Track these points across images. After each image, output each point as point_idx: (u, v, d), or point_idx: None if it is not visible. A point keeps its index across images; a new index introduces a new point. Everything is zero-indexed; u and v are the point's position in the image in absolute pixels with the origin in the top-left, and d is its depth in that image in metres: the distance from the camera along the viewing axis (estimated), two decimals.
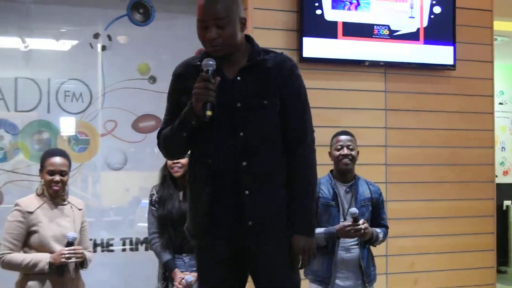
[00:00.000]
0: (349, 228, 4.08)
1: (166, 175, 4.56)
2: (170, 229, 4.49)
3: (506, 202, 11.34)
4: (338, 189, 4.38)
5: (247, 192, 2.95)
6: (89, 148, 5.37)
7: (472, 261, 6.07)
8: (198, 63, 2.96)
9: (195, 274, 4.37)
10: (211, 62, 2.84)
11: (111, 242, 5.41)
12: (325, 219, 4.33)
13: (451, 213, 5.94)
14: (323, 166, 4.42)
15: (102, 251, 5.36)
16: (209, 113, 2.79)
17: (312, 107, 5.10)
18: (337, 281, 4.30)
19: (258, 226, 2.97)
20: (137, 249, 5.50)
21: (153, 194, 4.57)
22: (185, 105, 2.90)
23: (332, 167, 4.48)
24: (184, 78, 3.01)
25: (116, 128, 5.44)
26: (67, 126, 5.33)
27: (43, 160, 4.12)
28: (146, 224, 5.44)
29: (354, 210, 4.04)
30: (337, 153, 4.27)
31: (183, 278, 4.38)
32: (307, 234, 3.02)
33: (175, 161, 4.45)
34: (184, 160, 4.38)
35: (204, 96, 2.78)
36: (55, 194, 4.09)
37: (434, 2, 5.88)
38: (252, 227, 2.96)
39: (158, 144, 3.11)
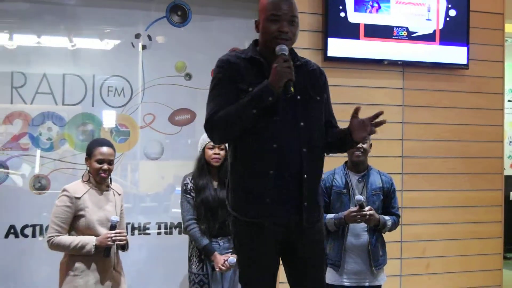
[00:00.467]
0: (355, 213, 4.10)
1: (204, 165, 4.56)
2: (208, 216, 4.49)
3: None
4: (351, 178, 4.40)
5: (305, 176, 3.04)
6: (129, 139, 5.39)
7: (481, 247, 6.08)
8: (255, 56, 3.07)
9: (235, 255, 4.44)
10: (284, 47, 2.96)
11: (147, 226, 5.44)
12: (337, 206, 4.36)
13: (462, 202, 5.94)
14: (339, 157, 4.54)
15: (139, 234, 5.38)
16: (292, 89, 2.90)
17: (336, 103, 5.21)
18: (346, 265, 4.32)
19: (311, 206, 3.09)
20: (171, 233, 5.51)
21: (187, 183, 4.58)
22: (243, 91, 2.96)
23: (346, 159, 4.50)
24: (237, 67, 3.04)
25: (154, 121, 5.46)
26: (109, 118, 5.34)
27: (92, 149, 4.10)
28: (180, 210, 5.50)
29: (359, 197, 4.09)
30: None
31: (226, 260, 4.41)
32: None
33: (216, 152, 4.47)
34: (223, 153, 4.49)
35: (289, 74, 2.88)
36: (102, 181, 4.12)
37: (449, 5, 5.87)
38: (306, 207, 3.06)
39: (211, 127, 3.04)
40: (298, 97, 3.04)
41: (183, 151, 5.58)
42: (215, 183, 4.56)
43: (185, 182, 4.61)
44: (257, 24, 3.13)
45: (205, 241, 4.44)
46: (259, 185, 3.05)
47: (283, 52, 2.94)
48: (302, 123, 3.04)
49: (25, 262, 5.08)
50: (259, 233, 3.08)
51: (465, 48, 5.96)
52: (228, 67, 3.07)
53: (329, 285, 4.37)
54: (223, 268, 4.41)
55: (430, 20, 5.82)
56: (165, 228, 5.52)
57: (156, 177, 5.55)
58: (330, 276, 4.36)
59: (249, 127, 2.96)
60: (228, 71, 3.06)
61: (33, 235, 5.10)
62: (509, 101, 10.57)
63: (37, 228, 5.11)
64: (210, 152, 4.51)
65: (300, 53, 5.50)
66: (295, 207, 3.06)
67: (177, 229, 5.53)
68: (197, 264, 4.53)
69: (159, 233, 5.49)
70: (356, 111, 3.12)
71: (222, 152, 4.52)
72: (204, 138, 4.59)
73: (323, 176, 4.43)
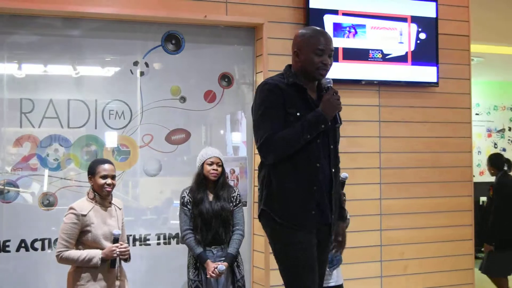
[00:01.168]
0: None
1: (202, 179, 4.60)
2: (203, 226, 4.54)
3: (482, 198, 11.36)
4: None
5: (333, 192, 3.19)
6: (130, 158, 5.37)
7: (454, 249, 6.14)
8: (294, 81, 3.18)
9: (225, 263, 4.46)
10: (330, 80, 3.16)
11: (147, 237, 5.40)
12: None
13: (435, 208, 6.01)
14: None
15: (140, 245, 5.34)
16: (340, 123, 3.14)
17: None
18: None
19: (335, 219, 3.25)
20: (169, 243, 5.48)
21: (184, 196, 4.63)
22: (292, 115, 3.10)
23: None
24: (286, 93, 3.13)
25: (152, 140, 5.44)
26: (111, 139, 5.32)
27: (95, 168, 4.15)
28: (178, 221, 5.49)
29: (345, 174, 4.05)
30: None
31: (216, 268, 4.43)
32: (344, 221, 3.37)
33: (214, 168, 4.54)
34: (220, 169, 4.58)
35: (339, 107, 3.09)
36: (107, 195, 4.16)
37: (420, 29, 5.95)
38: (333, 220, 3.23)
39: (267, 148, 3.15)
40: (329, 123, 3.12)
41: (179, 167, 5.57)
42: (210, 196, 4.61)
43: (182, 195, 4.66)
44: (297, 53, 3.22)
45: (199, 249, 4.50)
46: (306, 198, 3.16)
47: (330, 85, 3.12)
48: (332, 146, 3.20)
49: (35, 273, 5.07)
50: (303, 239, 3.17)
51: (435, 68, 6.03)
52: (279, 92, 3.14)
53: None
54: (213, 275, 4.45)
55: (402, 43, 5.89)
56: (164, 238, 5.48)
57: (155, 192, 5.53)
58: None
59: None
60: (279, 95, 3.14)
61: (42, 249, 5.07)
62: (476, 114, 10.67)
63: (46, 242, 5.08)
64: (208, 167, 4.57)
65: None
66: (327, 219, 3.20)
67: (175, 239, 5.49)
68: (193, 271, 4.58)
69: (158, 244, 5.45)
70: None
71: (220, 169, 4.60)
72: (202, 155, 4.66)
73: None
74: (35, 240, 5.06)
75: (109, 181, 4.14)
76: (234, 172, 5.48)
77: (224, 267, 4.47)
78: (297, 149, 3.10)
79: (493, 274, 6.76)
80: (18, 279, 5.02)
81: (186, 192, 4.67)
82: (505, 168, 6.97)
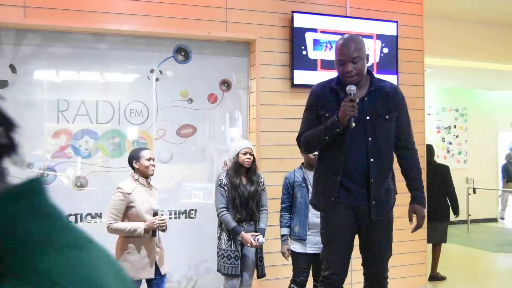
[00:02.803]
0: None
1: (238, 166, 4.48)
2: (241, 206, 4.42)
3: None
4: (307, 175, 4.44)
5: (372, 180, 2.99)
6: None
7: (408, 223, 6.20)
8: (335, 87, 3.06)
9: (263, 238, 4.41)
10: (353, 88, 2.93)
11: (161, 213, 5.38)
12: (299, 195, 4.45)
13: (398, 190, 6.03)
14: (297, 159, 4.60)
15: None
16: (353, 124, 2.89)
17: (299, 118, 5.23)
18: (309, 238, 4.40)
19: (379, 205, 3.03)
20: (179, 218, 5.50)
21: (221, 179, 4.50)
22: (323, 116, 3.02)
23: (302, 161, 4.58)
24: (322, 97, 3.08)
25: (165, 134, 5.46)
26: (132, 133, 5.34)
27: (138, 154, 4.23)
28: (186, 200, 5.52)
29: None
30: None
31: (257, 239, 4.34)
32: (424, 205, 3.16)
33: (248, 157, 4.43)
34: (252, 158, 4.49)
35: (352, 113, 2.85)
36: (152, 174, 4.26)
37: (383, 45, 5.99)
38: (375, 206, 3.02)
39: (299, 144, 3.18)
40: (368, 118, 3.00)
41: (187, 156, 5.59)
42: (244, 180, 4.50)
43: (220, 178, 4.54)
44: (335, 64, 3.13)
45: (234, 223, 4.38)
46: (325, 186, 3.09)
47: (350, 92, 2.91)
48: (370, 138, 2.99)
49: None
50: (329, 220, 3.15)
51: (395, 76, 6.06)
52: (315, 97, 3.13)
53: (296, 253, 4.47)
54: (255, 244, 4.36)
55: (369, 56, 5.91)
56: (175, 214, 5.50)
57: (167, 176, 5.52)
58: (298, 247, 4.44)
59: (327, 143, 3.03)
60: (314, 99, 3.13)
61: (76, 221, 5.08)
62: (428, 114, 10.74)
63: (79, 216, 5.10)
64: (243, 156, 4.46)
65: (273, 82, 5.67)
66: (365, 205, 3.04)
67: (183, 215, 5.52)
68: (226, 242, 4.44)
69: (170, 218, 5.46)
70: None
71: (252, 157, 4.51)
72: (238, 145, 4.56)
73: (287, 174, 4.53)
74: (69, 215, 5.07)
75: (152, 162, 4.25)
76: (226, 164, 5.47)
77: (264, 240, 4.41)
78: (322, 145, 3.05)
79: (431, 241, 6.89)
80: None
81: (223, 176, 4.54)
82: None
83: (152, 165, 4.25)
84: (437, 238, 6.86)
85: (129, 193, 4.13)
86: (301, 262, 4.46)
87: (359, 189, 3.02)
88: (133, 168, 4.26)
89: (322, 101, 3.09)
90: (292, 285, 4.53)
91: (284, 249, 4.49)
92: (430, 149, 7.06)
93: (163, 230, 4.27)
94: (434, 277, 6.92)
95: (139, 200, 4.16)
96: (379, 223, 3.10)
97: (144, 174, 4.23)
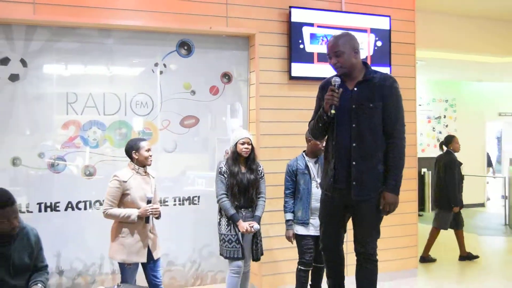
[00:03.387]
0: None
1: (236, 155, 4.43)
2: (240, 193, 4.38)
3: (423, 170, 11.47)
4: (309, 163, 4.45)
5: (354, 163, 3.08)
6: (152, 138, 5.34)
7: (402, 208, 6.07)
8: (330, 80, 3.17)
9: (258, 225, 4.40)
10: (337, 79, 3.06)
11: (166, 199, 5.41)
12: (302, 182, 4.42)
13: None
14: (299, 148, 4.53)
15: (161, 205, 5.29)
16: (333, 111, 3.02)
17: (297, 109, 5.20)
18: (311, 221, 4.39)
19: (359, 186, 3.09)
20: (183, 204, 5.47)
21: (221, 167, 4.43)
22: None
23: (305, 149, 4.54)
24: (324, 90, 3.18)
25: (169, 125, 5.41)
26: (138, 124, 5.30)
27: (138, 144, 4.21)
28: (190, 187, 5.49)
29: None
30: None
31: (252, 226, 4.33)
32: (394, 193, 3.13)
33: (246, 146, 4.38)
34: (250, 147, 4.42)
35: (331, 101, 3.01)
36: (150, 164, 4.24)
37: (377, 39, 5.93)
38: (355, 186, 3.09)
39: (309, 131, 3.36)
40: (353, 106, 3.09)
41: (191, 146, 5.54)
42: (243, 168, 4.44)
43: (220, 166, 4.47)
44: None
45: (233, 211, 4.34)
46: (327, 168, 3.23)
47: (334, 83, 3.06)
48: (354, 125, 3.08)
49: (79, 227, 5.06)
50: (327, 200, 3.29)
51: (388, 68, 6.00)
52: (319, 90, 3.29)
53: (300, 235, 4.46)
54: (249, 230, 4.33)
55: (363, 49, 5.84)
56: (179, 201, 5.47)
57: (171, 165, 5.50)
58: (301, 230, 4.46)
59: (325, 131, 3.21)
60: (319, 93, 3.28)
61: (85, 208, 5.07)
62: (419, 105, 10.71)
63: (87, 203, 5.07)
64: (241, 146, 4.39)
65: (272, 75, 5.62)
66: (347, 185, 3.13)
67: (187, 201, 5.49)
68: (226, 227, 4.39)
69: (174, 204, 5.45)
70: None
71: (250, 147, 4.44)
72: (236, 136, 4.50)
73: (290, 162, 4.50)
74: (79, 202, 5.05)
75: (151, 153, 4.24)
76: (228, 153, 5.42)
77: (259, 227, 4.40)
78: (320, 131, 3.20)
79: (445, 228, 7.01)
80: (65, 232, 5.02)
81: (223, 164, 4.47)
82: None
83: (151, 156, 4.23)
84: (452, 224, 6.96)
85: (125, 181, 4.10)
86: (305, 243, 4.45)
87: (344, 171, 3.11)
88: (131, 158, 4.23)
89: (323, 93, 3.16)
90: (300, 266, 4.51)
91: (289, 234, 4.47)
92: (448, 140, 7.00)
93: (157, 218, 4.23)
94: (425, 258, 6.90)
95: (134, 188, 4.13)
96: (364, 204, 3.13)
97: (143, 164, 4.21)
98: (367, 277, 3.19)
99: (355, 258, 3.42)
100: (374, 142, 3.09)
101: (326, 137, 3.29)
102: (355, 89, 3.10)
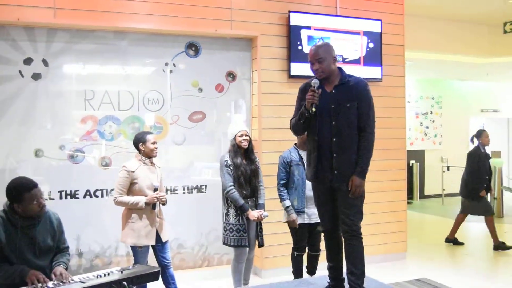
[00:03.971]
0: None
1: (236, 148, 4.38)
2: (245, 183, 4.35)
3: (412, 161, 11.49)
4: (302, 154, 4.46)
5: (335, 155, 3.19)
6: (163, 132, 5.37)
7: (392, 196, 6.21)
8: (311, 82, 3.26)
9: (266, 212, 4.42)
10: (316, 81, 3.17)
11: (176, 188, 5.45)
12: (297, 173, 4.44)
13: (380, 168, 6.03)
14: (293, 140, 4.57)
15: (171, 193, 5.39)
16: (313, 109, 3.13)
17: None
18: (307, 210, 4.44)
19: (339, 174, 3.20)
20: (192, 192, 5.51)
21: (226, 160, 4.35)
22: (304, 105, 3.21)
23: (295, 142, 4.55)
24: (304, 91, 3.28)
25: (179, 119, 5.44)
26: (149, 119, 5.33)
27: (144, 137, 4.22)
28: (197, 177, 5.51)
29: None
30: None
31: (262, 214, 4.32)
32: (361, 177, 3.18)
33: (244, 138, 4.36)
34: (248, 138, 4.40)
35: (311, 100, 3.12)
36: (155, 156, 4.26)
37: (369, 40, 5.96)
38: (336, 174, 3.20)
39: (290, 127, 3.41)
40: (332, 106, 3.19)
41: (198, 139, 5.57)
42: (244, 160, 4.39)
43: (225, 159, 4.37)
44: None
45: (242, 201, 4.28)
46: (310, 160, 3.34)
47: (314, 85, 3.16)
48: (333, 122, 3.19)
49: (96, 213, 5.11)
50: (314, 188, 3.43)
51: (379, 68, 6.05)
52: (300, 92, 3.37)
53: (298, 224, 4.48)
54: (261, 218, 4.34)
55: (356, 50, 5.89)
56: (188, 189, 5.51)
57: (180, 156, 5.53)
58: (298, 219, 4.45)
59: (306, 127, 3.29)
60: (299, 94, 3.36)
61: (102, 196, 5.12)
62: (408, 102, 10.73)
63: (104, 191, 5.12)
64: (240, 138, 4.37)
65: (273, 74, 5.66)
66: (330, 173, 3.23)
67: (195, 190, 5.53)
68: (235, 217, 4.32)
69: (183, 193, 5.48)
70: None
71: (248, 138, 4.41)
72: (234, 129, 4.46)
73: (283, 154, 4.55)
74: (96, 190, 5.10)
75: (156, 145, 4.25)
76: None
77: (267, 214, 4.38)
78: (302, 128, 3.30)
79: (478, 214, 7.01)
80: (84, 217, 5.07)
81: (227, 157, 4.38)
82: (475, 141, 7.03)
83: (156, 148, 4.24)
84: (483, 212, 6.89)
85: (133, 171, 4.13)
86: (300, 232, 4.49)
87: (327, 162, 3.23)
88: (138, 149, 4.24)
89: (304, 94, 3.27)
90: (295, 252, 4.56)
91: (293, 217, 4.43)
92: (478, 134, 6.98)
93: (163, 204, 4.25)
94: (450, 240, 7.06)
95: (141, 177, 4.15)
96: (345, 188, 3.23)
97: (149, 155, 4.22)
98: (354, 252, 3.27)
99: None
100: (350, 136, 3.21)
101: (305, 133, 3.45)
102: (333, 91, 3.24)
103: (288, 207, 4.47)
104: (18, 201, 3.01)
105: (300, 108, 3.26)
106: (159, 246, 4.26)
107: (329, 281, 3.49)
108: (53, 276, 3.05)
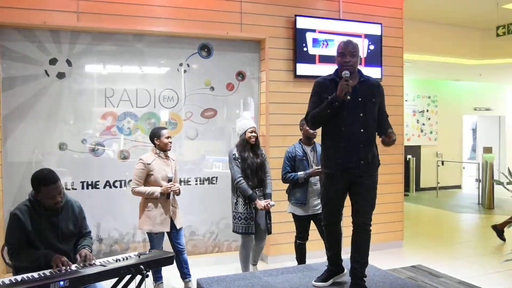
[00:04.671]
0: (317, 170, 4.22)
1: (245, 142, 4.37)
2: (253, 175, 4.34)
3: (408, 156, 11.43)
4: (306, 149, 4.42)
5: (361, 145, 3.13)
6: (177, 127, 5.37)
7: (390, 189, 6.16)
8: (334, 77, 3.19)
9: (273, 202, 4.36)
10: (347, 72, 3.08)
11: (189, 179, 5.44)
12: (300, 168, 4.37)
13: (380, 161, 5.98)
14: (299, 136, 4.54)
15: (184, 185, 5.39)
16: (348, 97, 3.01)
17: (301, 103, 5.19)
18: (309, 202, 4.39)
19: (366, 164, 3.15)
20: (203, 184, 5.51)
21: (235, 153, 4.34)
22: (325, 98, 3.11)
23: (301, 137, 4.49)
24: (323, 85, 3.20)
25: (192, 116, 5.43)
26: (165, 115, 5.32)
27: (160, 132, 4.22)
28: (209, 169, 5.49)
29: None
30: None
31: (269, 203, 4.30)
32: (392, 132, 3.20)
33: (253, 134, 4.33)
34: (255, 135, 4.37)
35: (346, 88, 3.00)
36: (170, 149, 4.25)
37: (370, 43, 5.91)
38: (363, 164, 3.14)
39: (307, 121, 3.26)
40: (360, 99, 3.13)
41: (210, 134, 5.56)
42: (251, 154, 4.38)
43: (233, 153, 4.36)
44: (335, 59, 3.24)
45: (250, 191, 4.28)
46: (333, 152, 3.19)
47: (345, 75, 3.06)
48: (361, 114, 3.13)
49: (115, 203, 5.13)
50: (331, 179, 3.23)
51: (379, 68, 6.00)
52: (319, 85, 3.24)
53: (299, 216, 4.45)
54: (267, 207, 4.31)
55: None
56: (200, 181, 5.50)
57: (193, 150, 5.52)
58: (300, 211, 4.42)
59: (329, 119, 3.14)
60: (318, 88, 3.24)
61: (120, 186, 5.13)
62: (406, 100, 10.65)
63: (123, 182, 5.13)
64: (249, 134, 4.35)
65: (280, 74, 5.64)
66: (356, 164, 3.14)
67: (207, 181, 5.52)
68: (243, 206, 4.32)
69: (196, 184, 5.48)
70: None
71: (256, 134, 4.40)
72: (244, 125, 4.42)
73: (289, 149, 4.50)
74: (115, 181, 5.11)
75: (170, 139, 4.25)
76: None
77: (274, 203, 4.36)
78: (325, 119, 3.15)
79: None
80: (104, 206, 5.09)
81: (235, 150, 4.37)
82: None
83: (170, 142, 4.23)
84: None
85: (149, 164, 4.13)
86: (302, 224, 4.47)
87: (355, 152, 3.13)
88: (154, 143, 4.24)
89: (323, 88, 3.19)
90: (298, 241, 4.54)
91: (315, 171, 4.30)
92: None
93: (177, 194, 4.25)
94: (497, 229, 6.63)
95: (157, 169, 4.15)
96: (367, 181, 3.17)
97: (163, 149, 4.21)
98: (363, 243, 3.25)
99: (351, 229, 3.39)
100: (374, 129, 3.21)
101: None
102: (358, 86, 3.16)
103: (300, 177, 4.34)
104: (37, 191, 3.02)
105: (317, 102, 3.16)
106: (174, 233, 4.27)
107: (327, 265, 3.49)
108: (78, 257, 3.05)
